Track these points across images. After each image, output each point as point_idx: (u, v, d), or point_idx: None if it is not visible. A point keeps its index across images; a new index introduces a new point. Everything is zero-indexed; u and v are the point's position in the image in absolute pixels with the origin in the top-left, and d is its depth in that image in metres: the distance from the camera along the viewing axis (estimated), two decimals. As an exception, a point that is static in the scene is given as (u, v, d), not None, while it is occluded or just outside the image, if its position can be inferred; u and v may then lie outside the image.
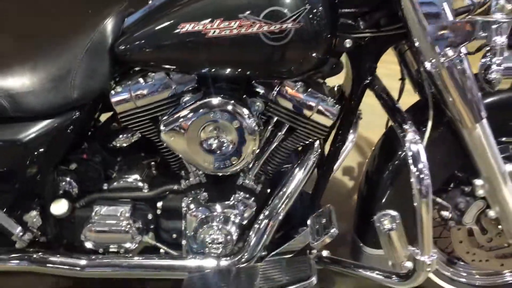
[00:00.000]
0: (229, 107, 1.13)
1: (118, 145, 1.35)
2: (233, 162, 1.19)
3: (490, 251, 1.42)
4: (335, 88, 1.34)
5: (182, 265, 1.30)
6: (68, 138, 1.25)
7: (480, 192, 1.27)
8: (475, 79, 1.15)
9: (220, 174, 1.26)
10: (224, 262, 1.29)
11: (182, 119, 1.15)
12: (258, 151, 1.28)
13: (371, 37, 1.21)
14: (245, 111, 1.14)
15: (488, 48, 1.04)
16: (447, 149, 1.27)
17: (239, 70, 1.13)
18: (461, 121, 1.17)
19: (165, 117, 1.18)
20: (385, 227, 1.07)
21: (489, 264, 1.45)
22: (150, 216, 1.35)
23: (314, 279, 1.17)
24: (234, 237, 1.27)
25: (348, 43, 1.19)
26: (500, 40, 1.02)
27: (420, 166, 1.06)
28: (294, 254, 1.31)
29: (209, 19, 1.06)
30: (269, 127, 1.26)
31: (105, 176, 1.37)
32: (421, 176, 1.06)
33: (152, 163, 1.39)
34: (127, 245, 1.33)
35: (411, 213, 1.32)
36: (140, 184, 1.35)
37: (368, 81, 1.28)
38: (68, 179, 1.34)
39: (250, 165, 1.31)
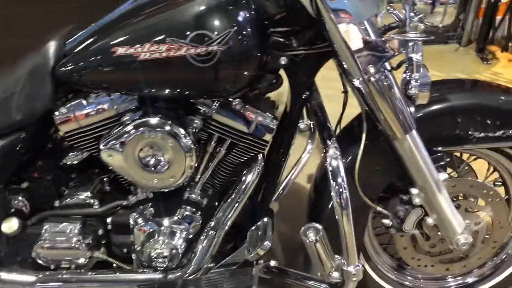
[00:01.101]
0: (165, 127, 1.17)
1: (69, 162, 1.38)
2: (171, 179, 1.23)
3: (435, 256, 1.47)
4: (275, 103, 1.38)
5: (131, 279, 1.34)
6: (15, 158, 1.29)
7: (417, 201, 1.32)
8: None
9: (165, 189, 1.30)
10: (171, 275, 1.32)
11: (119, 138, 1.19)
12: (203, 165, 1.33)
13: (305, 54, 1.26)
14: (181, 130, 1.18)
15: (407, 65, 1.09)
16: (384, 159, 1.31)
17: (173, 91, 1.17)
18: (391, 133, 1.22)
19: (104, 137, 1.22)
20: (310, 239, 1.11)
21: (435, 269, 1.49)
22: (100, 232, 1.39)
23: (254, 290, 1.21)
24: (180, 251, 1.30)
25: (283, 60, 1.24)
26: (416, 57, 1.07)
27: (339, 180, 1.10)
28: (240, 265, 1.35)
29: (140, 43, 1.10)
30: (212, 143, 1.30)
31: (58, 193, 1.40)
32: (340, 190, 1.10)
33: (105, 179, 1.43)
34: (78, 260, 1.36)
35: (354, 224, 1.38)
36: (91, 200, 1.38)
37: (306, 96, 1.32)
38: (19, 197, 1.37)
39: (196, 179, 1.35)
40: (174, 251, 1.30)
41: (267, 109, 1.30)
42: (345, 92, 1.50)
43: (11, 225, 1.34)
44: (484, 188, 1.38)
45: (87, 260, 1.37)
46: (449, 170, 1.44)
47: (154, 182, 1.23)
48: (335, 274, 1.15)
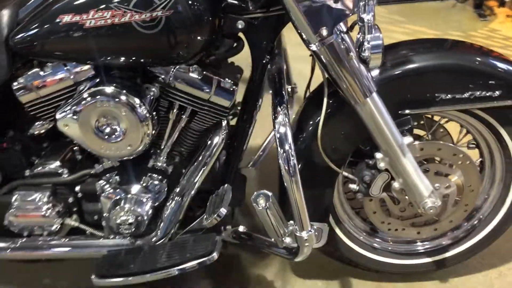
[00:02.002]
0: (119, 96, 1.16)
1: (36, 132, 1.39)
2: (129, 148, 1.22)
3: (405, 220, 1.46)
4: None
5: (100, 245, 1.37)
6: None
7: (382, 165, 1.30)
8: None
9: (128, 158, 1.30)
10: (139, 241, 1.35)
11: (74, 107, 1.18)
12: (167, 133, 1.32)
13: (263, 17, 1.22)
14: (136, 100, 1.17)
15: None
16: (350, 124, 1.28)
17: (124, 59, 1.15)
18: (351, 97, 1.19)
19: (60, 106, 1.22)
20: (260, 206, 1.11)
21: (406, 232, 1.49)
22: (71, 200, 1.40)
23: (215, 255, 1.22)
24: (146, 218, 1.32)
25: (240, 24, 1.21)
26: (367, 17, 1.02)
27: (287, 147, 1.09)
28: (208, 230, 1.36)
29: (85, 10, 1.08)
30: (174, 110, 1.29)
31: (28, 163, 1.42)
32: (288, 157, 1.08)
33: (75, 148, 1.43)
34: (50, 227, 1.38)
35: (320, 188, 1.37)
36: (60, 169, 1.39)
37: (266, 60, 1.29)
38: None
39: (161, 147, 1.35)
40: (139, 218, 1.31)
41: (228, 75, 1.28)
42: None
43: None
44: (453, 151, 1.34)
45: (59, 227, 1.39)
46: (422, 132, 1.42)
47: (112, 151, 1.23)
48: (288, 240, 1.15)
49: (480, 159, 1.47)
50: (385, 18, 2.98)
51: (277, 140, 1.10)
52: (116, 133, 1.20)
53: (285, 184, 1.11)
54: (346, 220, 1.51)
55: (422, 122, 1.41)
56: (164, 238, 1.34)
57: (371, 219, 1.46)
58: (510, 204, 1.44)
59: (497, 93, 1.25)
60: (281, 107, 1.15)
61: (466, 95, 1.25)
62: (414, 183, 1.29)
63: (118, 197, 1.33)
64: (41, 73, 1.23)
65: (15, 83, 1.25)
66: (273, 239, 1.19)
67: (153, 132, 1.22)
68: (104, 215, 1.37)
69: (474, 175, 1.38)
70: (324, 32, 1.07)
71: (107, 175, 1.37)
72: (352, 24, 1.10)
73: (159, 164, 1.36)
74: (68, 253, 1.39)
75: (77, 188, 1.40)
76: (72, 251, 1.38)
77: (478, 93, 1.25)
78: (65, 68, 1.22)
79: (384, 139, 1.24)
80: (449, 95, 1.25)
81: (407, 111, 1.28)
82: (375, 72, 1.26)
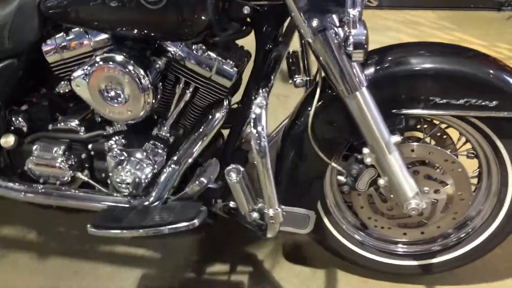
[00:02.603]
0: (125, 65, 1.27)
1: (61, 91, 1.54)
2: (129, 113, 1.34)
3: (392, 219, 1.47)
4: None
5: (102, 200, 1.50)
6: (10, 82, 1.46)
7: (368, 160, 1.33)
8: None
9: (133, 122, 1.41)
10: (134, 201, 1.46)
11: (85, 70, 1.31)
12: (173, 105, 1.42)
13: (269, 5, 1.28)
14: (140, 70, 1.28)
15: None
16: (342, 117, 1.32)
17: (133, 31, 1.26)
18: (340, 90, 1.23)
19: (76, 68, 1.35)
20: (232, 179, 1.18)
21: (391, 232, 1.50)
22: (83, 156, 1.55)
23: (195, 222, 1.31)
24: (143, 180, 1.43)
25: (246, 9, 1.28)
26: (352, 12, 1.05)
27: (259, 128, 1.14)
28: (198, 199, 1.45)
29: None
30: (180, 85, 1.39)
31: (52, 118, 1.58)
32: (259, 138, 1.14)
33: (94, 110, 1.57)
34: (62, 178, 1.54)
35: (310, 176, 1.42)
36: (78, 127, 1.54)
37: (269, 47, 1.35)
38: (19, 117, 1.56)
39: (166, 118, 1.45)
40: (137, 179, 1.43)
41: (232, 57, 1.35)
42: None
43: (8, 140, 1.54)
44: (444, 156, 1.34)
45: (70, 179, 1.54)
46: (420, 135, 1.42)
47: (115, 114, 1.35)
48: (255, 215, 1.21)
49: (478, 169, 1.45)
50: (432, 23, 2.92)
51: (252, 120, 1.16)
52: (119, 98, 1.32)
53: (255, 162, 1.17)
54: (336, 212, 1.54)
55: (421, 125, 1.42)
56: (158, 201, 1.45)
57: (358, 214, 1.49)
58: (501, 220, 1.42)
59: (494, 103, 1.24)
60: (263, 90, 1.21)
61: (461, 101, 1.25)
62: (398, 182, 1.31)
63: (121, 158, 1.45)
64: (66, 37, 1.37)
65: (44, 44, 1.39)
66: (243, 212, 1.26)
67: (154, 101, 1.32)
68: (109, 173, 1.50)
69: (465, 184, 1.38)
70: (315, 23, 1.11)
71: (116, 137, 1.49)
72: (340, 19, 1.14)
73: (162, 133, 1.46)
74: (74, 203, 1.53)
75: (90, 146, 1.53)
76: (78, 202, 1.52)
77: (473, 100, 1.24)
78: (87, 35, 1.35)
79: (370, 135, 1.27)
80: (444, 100, 1.26)
81: (399, 111, 1.30)
82: (371, 68, 1.29)
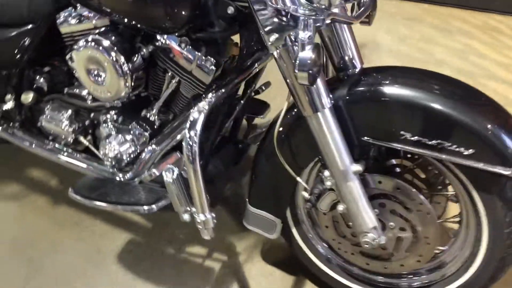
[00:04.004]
0: (107, 49, 1.33)
1: None
2: (108, 94, 1.40)
3: (355, 245, 1.41)
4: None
5: (89, 165, 1.61)
6: (31, 45, 1.60)
7: (328, 184, 1.28)
8: (322, 68, 1.14)
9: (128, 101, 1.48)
10: (114, 175, 1.55)
11: (77, 46, 1.39)
12: (163, 92, 1.47)
13: None
14: (121, 57, 1.33)
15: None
16: (309, 134, 1.27)
17: (123, 19, 1.31)
18: (302, 108, 1.18)
19: (73, 43, 1.44)
20: (167, 179, 1.20)
21: (354, 258, 1.44)
22: (87, 123, 1.67)
23: (153, 207, 1.37)
24: (125, 157, 1.51)
25: (230, 9, 1.26)
26: (302, 34, 1.00)
27: (192, 133, 1.14)
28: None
29: None
30: (169, 74, 1.43)
31: (69, 83, 1.71)
32: (191, 143, 1.14)
33: None
34: (65, 139, 1.68)
35: (280, 185, 1.40)
36: (87, 96, 1.65)
37: (254, 49, 1.33)
38: (40, 78, 1.71)
39: (155, 102, 1.51)
40: (118, 155, 1.51)
41: (216, 54, 1.35)
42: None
43: (27, 97, 1.70)
44: (411, 195, 1.24)
45: (72, 141, 1.67)
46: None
47: (97, 92, 1.43)
48: (185, 217, 1.23)
49: (459, 215, 1.32)
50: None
51: (188, 122, 1.16)
52: (100, 78, 1.39)
53: (185, 168, 1.18)
54: (307, 224, 1.51)
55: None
56: (135, 179, 1.53)
57: (322, 232, 1.45)
58: (470, 276, 1.29)
59: (470, 151, 1.11)
60: (209, 96, 1.20)
61: (433, 142, 1.13)
62: (355, 212, 1.25)
63: (109, 132, 1.54)
64: (74, 13, 1.46)
65: (57, 15, 1.50)
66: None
67: (132, 86, 1.38)
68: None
69: (433, 228, 1.27)
70: (272, 38, 1.07)
71: (112, 111, 1.58)
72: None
73: (150, 116, 1.52)
74: (71, 164, 1.66)
75: (92, 115, 1.65)
76: (73, 163, 1.66)
77: (447, 144, 1.12)
78: (91, 14, 1.43)
79: (329, 159, 1.21)
80: (414, 137, 1.15)
81: (368, 140, 1.22)
82: (344, 90, 1.22)
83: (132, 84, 1.38)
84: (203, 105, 1.21)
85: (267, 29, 1.08)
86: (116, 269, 1.75)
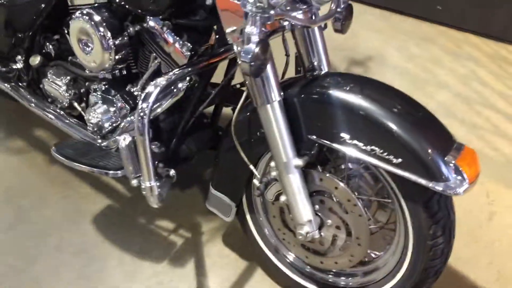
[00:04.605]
0: (96, 23, 1.47)
1: None
2: (93, 64, 1.54)
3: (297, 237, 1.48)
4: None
5: (77, 129, 1.76)
6: (42, 13, 1.77)
7: (273, 174, 1.36)
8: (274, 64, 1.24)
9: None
10: (92, 140, 1.68)
11: (75, 16, 1.53)
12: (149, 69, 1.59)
13: None
14: (108, 32, 1.47)
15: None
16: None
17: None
18: (253, 98, 1.27)
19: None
20: (120, 145, 1.31)
21: (295, 250, 1.52)
22: (82, 90, 1.81)
23: (118, 173, 1.49)
24: (105, 125, 1.64)
25: (208, 0, 1.37)
26: (249, 29, 1.09)
27: (144, 106, 1.24)
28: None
29: None
30: (153, 54, 1.55)
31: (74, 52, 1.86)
32: (142, 114, 1.24)
33: None
34: (61, 103, 1.83)
35: (236, 169, 1.49)
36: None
37: (227, 41, 1.43)
38: (50, 44, 1.87)
39: (140, 79, 1.64)
40: (100, 123, 1.65)
41: (194, 41, 1.47)
42: (287, 55, 1.53)
43: (34, 59, 1.87)
44: (347, 196, 1.31)
45: (67, 105, 1.82)
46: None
47: (85, 60, 1.57)
48: (134, 182, 1.34)
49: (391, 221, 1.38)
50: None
51: (142, 94, 1.27)
52: (88, 48, 1.53)
53: (134, 136, 1.29)
54: (262, 214, 1.59)
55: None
56: (112, 145, 1.66)
57: (271, 222, 1.53)
58: (396, 283, 1.35)
59: (399, 160, 1.17)
60: (169, 73, 1.32)
61: (367, 148, 1.20)
62: (293, 203, 1.33)
63: (96, 100, 1.68)
64: None
65: None
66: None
67: (115, 60, 1.51)
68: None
69: (363, 231, 1.33)
70: (229, 29, 1.17)
71: (102, 82, 1.72)
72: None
73: (134, 91, 1.65)
74: (62, 127, 1.82)
75: (87, 84, 1.79)
76: (64, 126, 1.81)
77: (379, 150, 1.19)
78: None
79: (274, 150, 1.30)
80: (353, 140, 1.22)
81: (311, 137, 1.29)
82: (299, 88, 1.30)
83: (116, 58, 1.51)
84: (161, 80, 1.32)
85: (226, 21, 1.18)
86: (90, 228, 1.89)
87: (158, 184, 1.33)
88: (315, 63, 1.39)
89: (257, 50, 1.09)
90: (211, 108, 1.76)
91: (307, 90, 1.30)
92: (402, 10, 3.05)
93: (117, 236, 1.87)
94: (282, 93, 1.27)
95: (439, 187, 1.12)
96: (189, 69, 1.39)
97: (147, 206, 1.95)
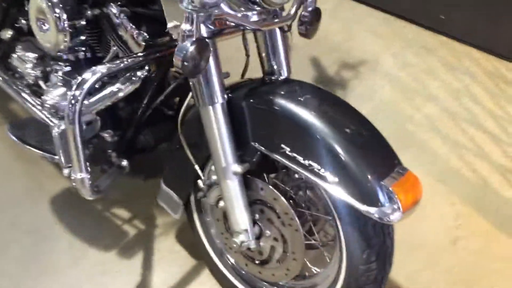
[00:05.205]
0: (52, 4, 1.43)
1: None
2: (48, 44, 1.51)
3: (238, 244, 1.44)
4: None
5: (33, 108, 1.72)
6: None
7: (213, 178, 1.31)
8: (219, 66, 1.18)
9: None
10: (50, 122, 1.64)
11: None
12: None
13: None
14: (64, 14, 1.42)
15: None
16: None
17: None
18: (195, 99, 1.22)
19: None
20: (53, 132, 1.28)
21: (236, 256, 1.47)
22: (48, 69, 1.76)
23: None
24: (60, 108, 1.59)
25: None
26: (185, 27, 1.04)
27: (77, 92, 1.20)
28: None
29: None
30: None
31: None
32: (73, 101, 1.20)
33: None
34: (27, 79, 1.80)
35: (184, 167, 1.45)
36: None
37: None
38: (22, 19, 1.84)
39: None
40: (56, 104, 1.59)
41: (151, 31, 1.41)
42: (247, 56, 1.47)
43: (6, 33, 1.84)
44: (286, 210, 1.26)
45: (33, 82, 1.79)
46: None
47: (42, 39, 1.53)
48: (65, 171, 1.30)
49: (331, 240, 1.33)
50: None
51: (78, 81, 1.23)
52: (44, 27, 1.49)
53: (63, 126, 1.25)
54: (210, 215, 1.55)
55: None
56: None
57: (215, 224, 1.49)
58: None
59: (335, 179, 1.10)
60: (110, 62, 1.28)
61: (305, 162, 1.14)
62: (230, 210, 1.29)
63: (56, 81, 1.64)
64: None
65: None
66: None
67: (71, 41, 1.47)
68: None
69: (299, 246, 1.28)
70: (171, 24, 1.12)
71: (65, 64, 1.68)
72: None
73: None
74: (24, 104, 1.79)
75: (52, 63, 1.76)
76: (26, 104, 1.78)
77: (316, 167, 1.13)
78: None
79: (213, 154, 1.25)
80: (292, 153, 1.16)
81: (255, 145, 1.24)
82: (249, 92, 1.24)
83: (71, 40, 1.47)
84: (100, 69, 1.27)
85: (168, 16, 1.13)
86: (47, 208, 1.88)
87: (89, 176, 1.29)
88: (275, 67, 1.34)
89: (192, 49, 1.04)
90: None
91: (258, 95, 1.25)
92: (407, 16, 2.93)
93: (72, 219, 1.85)
94: (226, 96, 1.21)
95: (371, 212, 1.06)
96: (140, 59, 1.34)
97: (107, 192, 1.95)
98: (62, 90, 1.61)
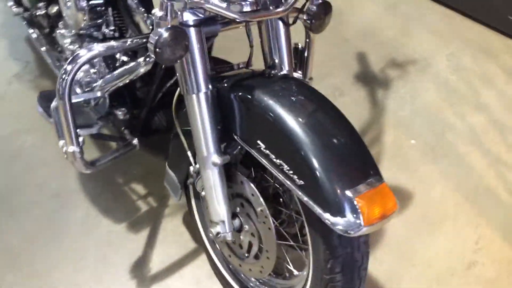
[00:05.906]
0: None
1: None
2: (71, 22, 1.62)
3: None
4: None
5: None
6: None
7: (197, 167, 1.32)
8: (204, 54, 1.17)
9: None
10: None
11: None
12: None
13: None
14: None
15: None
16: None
17: None
18: (180, 86, 1.22)
19: None
20: (52, 105, 1.33)
21: (223, 247, 1.47)
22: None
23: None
24: (84, 82, 1.69)
25: None
26: (158, 13, 1.04)
27: (69, 67, 1.22)
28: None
29: None
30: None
31: None
32: (64, 76, 1.23)
33: None
34: (66, 54, 1.92)
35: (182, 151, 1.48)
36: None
37: None
38: None
39: None
40: (80, 79, 1.70)
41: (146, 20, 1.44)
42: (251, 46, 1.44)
43: (52, 8, 1.94)
44: (259, 206, 1.23)
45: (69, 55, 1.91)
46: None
47: (68, 16, 1.63)
48: (60, 143, 1.35)
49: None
50: None
51: (71, 56, 1.26)
52: (67, 5, 1.57)
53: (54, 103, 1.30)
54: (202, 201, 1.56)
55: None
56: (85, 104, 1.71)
57: (204, 213, 1.50)
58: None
59: (301, 182, 1.06)
60: (112, 41, 1.34)
61: (277, 161, 1.11)
62: (208, 200, 1.29)
63: (68, 55, 1.74)
64: None
65: None
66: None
67: (88, 19, 1.54)
68: None
69: (271, 245, 1.25)
70: (157, 13, 1.12)
71: (94, 41, 1.76)
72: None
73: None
74: (57, 73, 1.91)
75: (82, 39, 1.85)
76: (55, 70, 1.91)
77: (286, 167, 1.09)
78: None
79: (195, 142, 1.25)
80: (267, 150, 1.13)
81: (237, 138, 1.22)
82: (238, 84, 1.22)
83: (90, 19, 1.53)
84: (98, 47, 1.29)
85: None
86: (72, 174, 2.00)
87: (79, 150, 1.34)
88: (276, 61, 1.30)
89: (165, 36, 1.04)
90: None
91: (245, 88, 1.22)
92: (470, 13, 2.69)
93: (92, 189, 1.95)
94: (210, 85, 1.20)
95: (331, 221, 1.01)
96: (143, 40, 1.35)
97: (127, 167, 2.03)
98: (86, 66, 1.70)
